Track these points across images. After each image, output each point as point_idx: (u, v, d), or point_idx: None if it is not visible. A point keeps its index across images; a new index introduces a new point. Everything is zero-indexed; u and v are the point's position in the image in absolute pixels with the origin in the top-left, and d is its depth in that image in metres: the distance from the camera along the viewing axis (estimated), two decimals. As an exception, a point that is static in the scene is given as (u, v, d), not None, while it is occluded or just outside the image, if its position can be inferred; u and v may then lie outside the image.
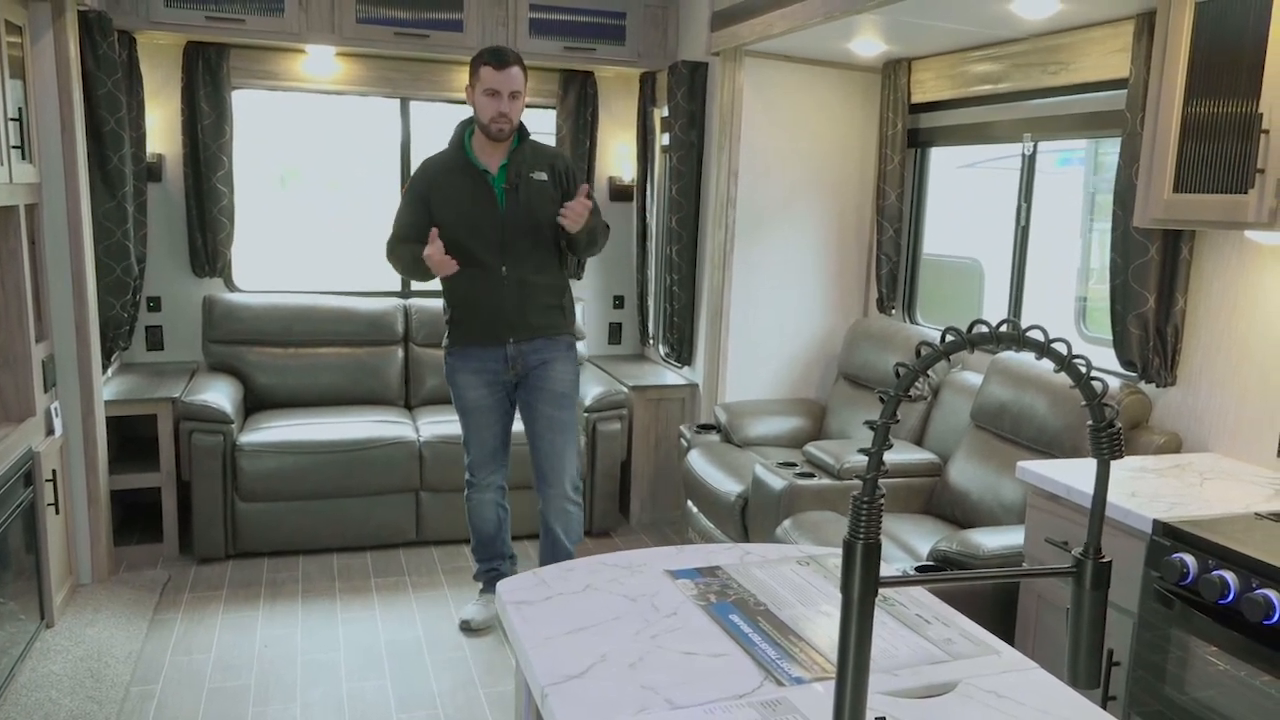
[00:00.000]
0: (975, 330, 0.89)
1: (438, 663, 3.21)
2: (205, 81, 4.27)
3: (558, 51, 4.51)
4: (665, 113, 4.56)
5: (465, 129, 3.21)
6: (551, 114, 4.89)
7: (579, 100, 4.84)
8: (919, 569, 2.68)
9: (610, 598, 1.52)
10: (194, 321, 4.49)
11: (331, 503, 4.07)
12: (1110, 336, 2.98)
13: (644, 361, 5.11)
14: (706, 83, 4.34)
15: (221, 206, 4.38)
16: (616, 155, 5.13)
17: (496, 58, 3.08)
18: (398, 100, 4.76)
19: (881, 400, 0.88)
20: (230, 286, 4.61)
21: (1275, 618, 1.84)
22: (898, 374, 0.88)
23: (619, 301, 5.29)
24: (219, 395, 3.99)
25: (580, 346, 4.91)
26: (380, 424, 4.23)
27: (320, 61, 4.50)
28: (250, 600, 3.64)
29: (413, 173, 3.33)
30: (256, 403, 4.41)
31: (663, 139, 4.69)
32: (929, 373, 3.76)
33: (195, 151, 4.32)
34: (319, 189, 5.60)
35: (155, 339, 4.53)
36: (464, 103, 4.87)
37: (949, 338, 0.89)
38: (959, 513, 3.25)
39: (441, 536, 4.23)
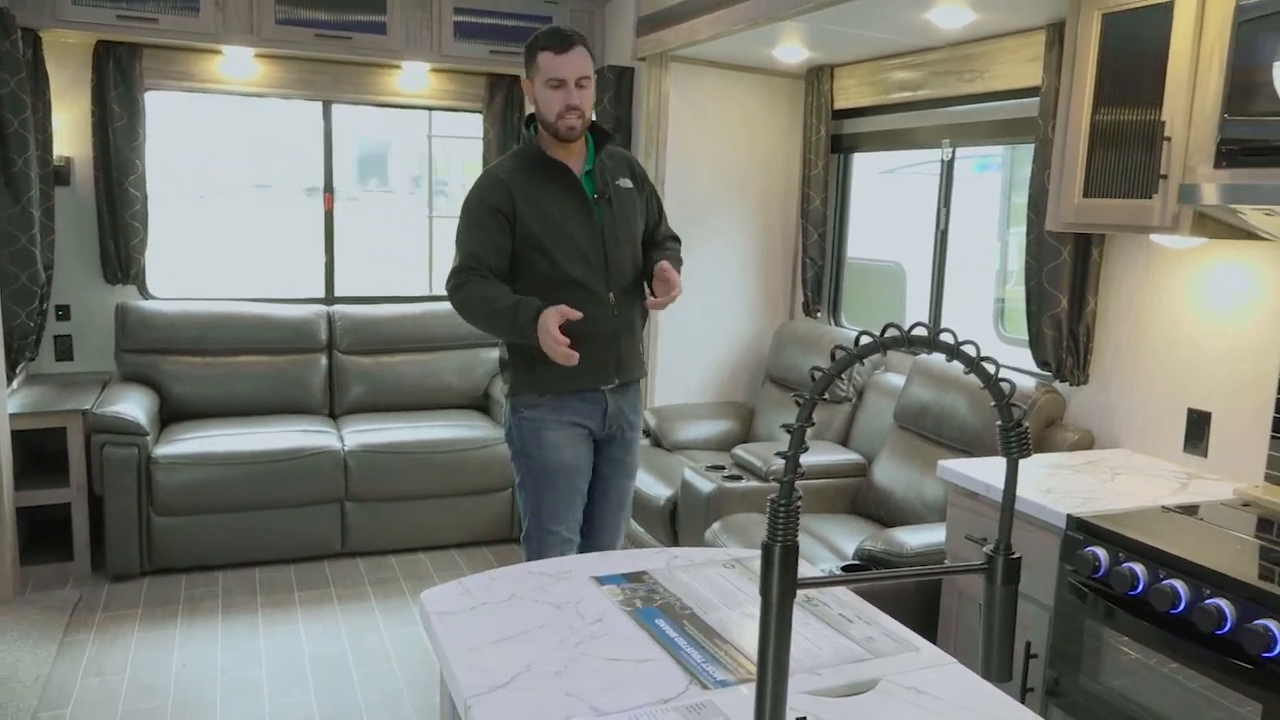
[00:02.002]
0: (888, 334, 0.90)
1: (364, 676, 3.15)
2: (117, 82, 4.14)
3: (483, 55, 4.48)
4: (593, 117, 4.55)
5: (530, 131, 2.59)
6: (478, 118, 4.85)
7: (506, 104, 4.81)
8: (845, 568, 2.72)
9: (535, 606, 1.51)
10: (106, 330, 4.34)
11: (252, 515, 3.97)
12: (1026, 337, 3.07)
13: (573, 366, 5.10)
14: (633, 88, 4.35)
15: (134, 211, 4.24)
16: (543, 160, 5.11)
17: (557, 39, 2.49)
18: (320, 103, 4.67)
19: (798, 404, 0.89)
20: (144, 294, 4.47)
21: (1181, 607, 1.91)
22: (813, 378, 0.89)
23: (547, 306, 5.26)
24: (133, 406, 3.86)
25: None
26: (303, 434, 4.14)
27: (238, 63, 4.39)
28: (167, 618, 3.53)
29: (474, 187, 2.57)
30: (172, 414, 4.28)
31: (589, 143, 4.69)
32: (854, 374, 3.81)
33: (106, 154, 4.18)
34: (239, 193, 5.47)
35: (64, 349, 4.37)
36: (391, 106, 4.86)
37: (864, 340, 0.90)
38: (884, 512, 3.30)
39: (368, 548, 4.16)
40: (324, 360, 4.59)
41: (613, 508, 2.70)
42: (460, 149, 5.20)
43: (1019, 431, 0.91)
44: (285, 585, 3.85)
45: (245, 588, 3.81)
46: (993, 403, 0.93)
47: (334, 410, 4.61)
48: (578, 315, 2.36)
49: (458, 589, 1.57)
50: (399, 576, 3.96)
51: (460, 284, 2.48)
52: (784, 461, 0.89)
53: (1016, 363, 3.22)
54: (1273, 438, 2.39)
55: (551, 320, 2.31)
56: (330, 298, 4.83)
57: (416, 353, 4.73)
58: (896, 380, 3.59)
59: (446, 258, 5.18)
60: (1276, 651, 1.74)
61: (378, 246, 5.38)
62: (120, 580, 3.82)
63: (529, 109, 2.54)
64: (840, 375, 0.89)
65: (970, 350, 0.91)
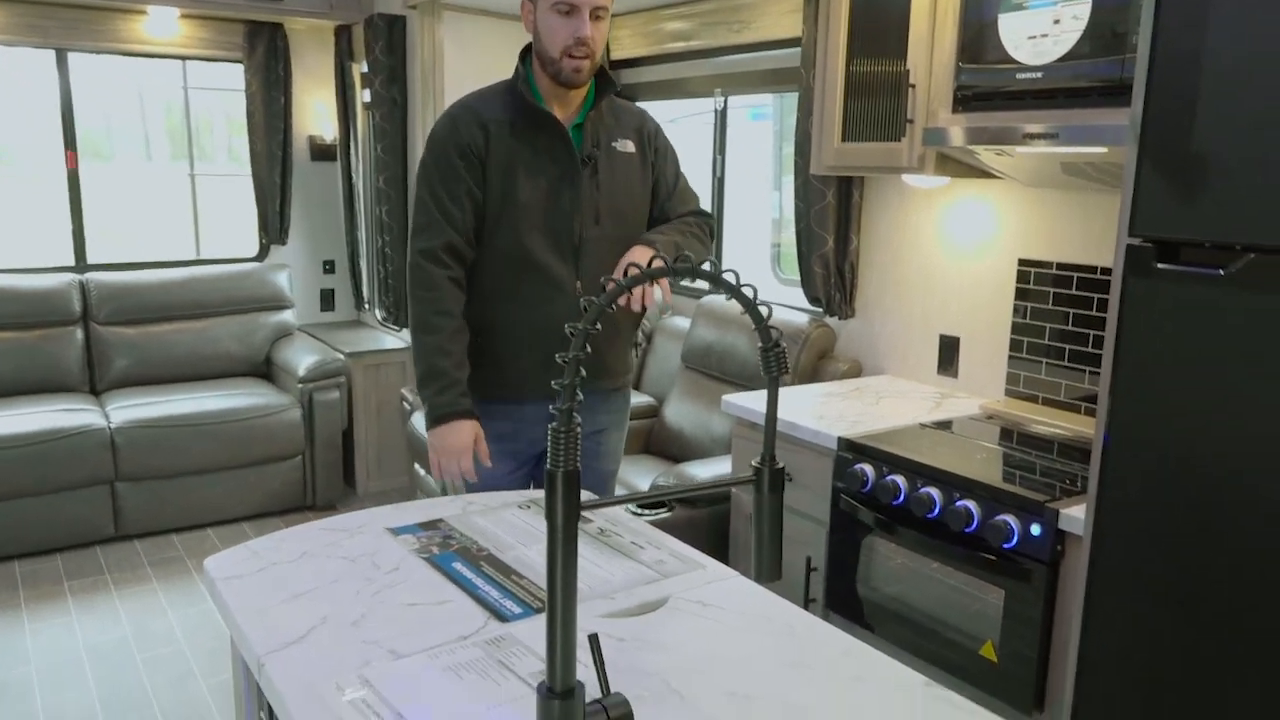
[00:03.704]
0: (654, 264, 0.94)
1: (151, 661, 2.98)
2: None
3: (241, 1, 4.20)
4: (364, 68, 4.39)
5: (525, 63, 2.09)
6: (239, 69, 4.57)
7: (269, 54, 4.55)
8: (640, 506, 2.81)
9: (329, 561, 1.49)
10: None
11: (8, 505, 3.64)
12: (799, 277, 3.26)
13: (361, 327, 4.96)
14: (406, 37, 4.22)
15: None
16: (315, 113, 4.88)
17: None
18: (53, 51, 4.25)
19: (570, 335, 0.92)
20: None
21: (936, 511, 2.12)
22: (584, 310, 0.92)
23: (329, 266, 5.08)
24: None
25: (290, 315, 4.70)
26: (61, 413, 3.81)
27: (-49, 5, 3.92)
28: (-87, 623, 3.20)
29: (444, 117, 2.09)
30: (-98, 400, 3.84)
31: (364, 95, 4.52)
32: (643, 320, 3.91)
33: None
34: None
35: None
36: (139, 55, 4.47)
37: (631, 273, 0.95)
38: (676, 449, 3.44)
39: (145, 529, 3.91)
40: (80, 333, 4.24)
41: None
42: (223, 103, 4.88)
43: (777, 352, 0.99)
44: (52, 576, 3.56)
45: (5, 583, 3.50)
46: (760, 344, 1.00)
47: (95, 386, 4.28)
48: (486, 464, 2.04)
49: (244, 552, 1.52)
50: (183, 556, 3.75)
51: (424, 280, 2.00)
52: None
53: (791, 302, 3.42)
54: (1010, 358, 2.67)
55: (464, 437, 1.97)
56: (82, 265, 4.44)
57: (188, 320, 4.45)
58: (683, 324, 3.72)
59: (212, 219, 4.89)
60: (1014, 542, 1.97)
61: (134, 209, 4.98)
62: None
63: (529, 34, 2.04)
64: (612, 307, 0.93)
65: (730, 279, 0.97)
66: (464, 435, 1.99)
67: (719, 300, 3.49)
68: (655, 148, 2.17)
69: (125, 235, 4.88)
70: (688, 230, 2.10)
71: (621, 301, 1.84)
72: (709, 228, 2.13)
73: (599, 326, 0.92)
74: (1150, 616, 1.67)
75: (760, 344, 0.99)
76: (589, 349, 0.91)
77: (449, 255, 2.02)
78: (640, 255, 1.97)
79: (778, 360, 0.99)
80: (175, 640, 3.11)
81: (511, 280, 2.03)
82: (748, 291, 0.98)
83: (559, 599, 0.94)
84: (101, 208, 4.59)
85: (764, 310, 0.98)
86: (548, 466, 0.92)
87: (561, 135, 2.03)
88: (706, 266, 0.97)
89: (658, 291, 1.91)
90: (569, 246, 2.04)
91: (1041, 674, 1.97)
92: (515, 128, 2.03)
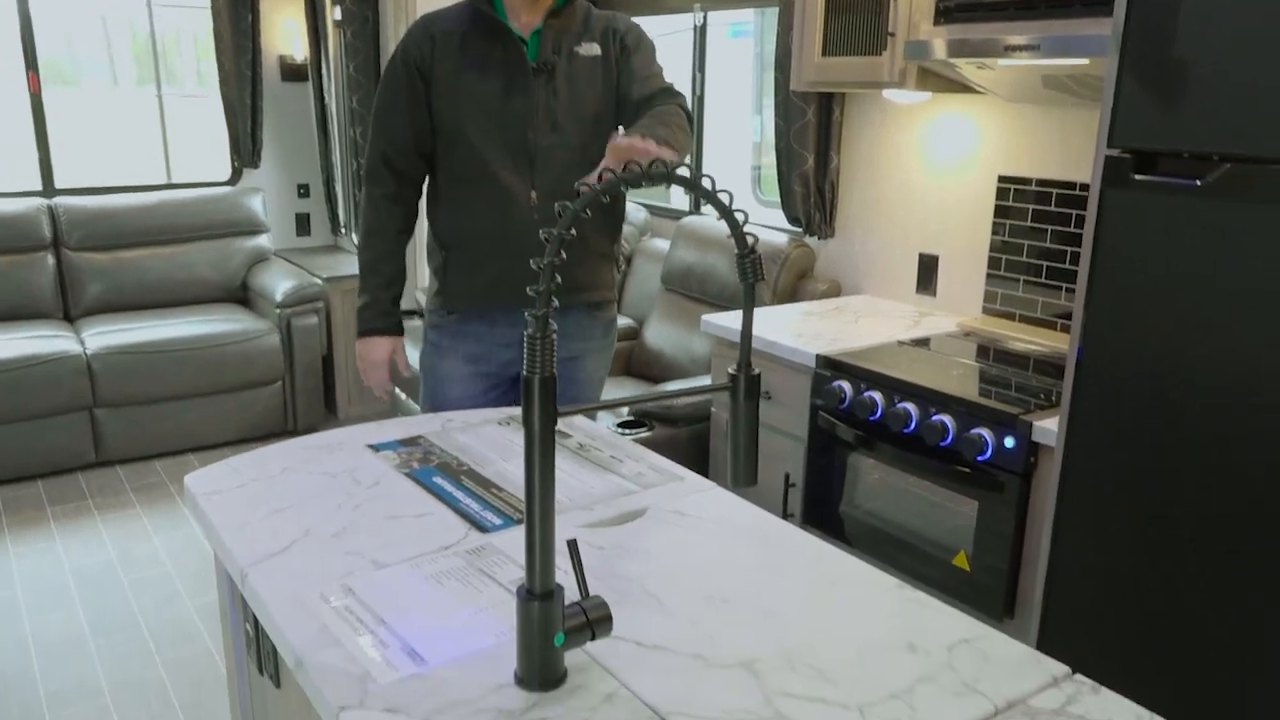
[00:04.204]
0: (629, 170, 0.93)
1: (137, 583, 3.01)
2: None
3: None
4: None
5: None
6: (204, -17, 4.43)
7: (235, -33, 4.41)
8: (620, 425, 2.83)
9: (309, 477, 1.50)
10: None
11: (-14, 431, 3.63)
12: (780, 199, 3.23)
13: (338, 252, 4.90)
14: (376, -50, 4.10)
15: None
16: (284, 32, 4.75)
17: None
18: (10, -35, 4.10)
19: (545, 242, 0.91)
20: None
21: (913, 426, 2.14)
22: (559, 215, 0.92)
23: (304, 190, 5.00)
24: None
25: (265, 240, 4.65)
26: (35, 340, 3.78)
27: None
28: (-104, 549, 3.21)
29: (404, 35, 2.05)
30: (-128, 328, 3.79)
31: (334, 12, 4.40)
32: (623, 241, 3.89)
33: None
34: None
35: None
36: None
37: (607, 177, 0.94)
38: (656, 370, 3.45)
39: (127, 454, 3.91)
40: (51, 258, 4.17)
41: None
42: (190, 22, 4.74)
43: (753, 258, 0.98)
44: (34, 501, 3.57)
45: (-13, 509, 3.51)
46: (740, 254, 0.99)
47: (69, 313, 4.23)
48: (407, 374, 2.17)
49: (225, 469, 1.52)
50: (165, 481, 3.76)
51: (365, 198, 2.09)
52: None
53: (772, 223, 3.40)
54: (989, 275, 2.68)
55: (378, 352, 2.11)
56: (50, 189, 4.36)
57: (161, 245, 4.38)
58: (663, 245, 3.70)
59: (182, 143, 4.79)
60: (988, 455, 2.00)
61: (102, 134, 4.87)
62: None
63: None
64: (587, 211, 0.92)
65: (706, 184, 0.96)
66: (379, 350, 2.13)
67: (699, 221, 3.47)
68: (623, 45, 2.04)
69: (93, 160, 4.78)
70: (667, 120, 1.91)
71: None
72: (686, 112, 1.99)
73: (573, 232, 0.92)
74: (1119, 525, 1.71)
75: (737, 250, 0.98)
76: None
77: (386, 169, 2.05)
78: (630, 144, 1.70)
79: (754, 267, 0.99)
80: (161, 563, 3.13)
81: (469, 193, 2.01)
82: (724, 198, 0.97)
83: (537, 504, 0.95)
84: (68, 133, 4.48)
85: (740, 216, 0.97)
86: (523, 373, 0.92)
87: (512, 42, 1.97)
88: (684, 171, 0.96)
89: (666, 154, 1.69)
90: (523, 156, 1.99)
91: (1012, 582, 2.03)
92: (465, 38, 1.98)
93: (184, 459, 3.98)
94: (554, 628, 0.97)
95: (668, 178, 0.96)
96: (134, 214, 4.33)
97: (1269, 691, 1.54)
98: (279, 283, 4.23)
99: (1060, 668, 1.04)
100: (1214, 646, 1.60)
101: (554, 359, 0.93)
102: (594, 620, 1.00)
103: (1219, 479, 1.55)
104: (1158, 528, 1.65)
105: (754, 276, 0.99)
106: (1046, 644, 1.84)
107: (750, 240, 0.99)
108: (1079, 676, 1.03)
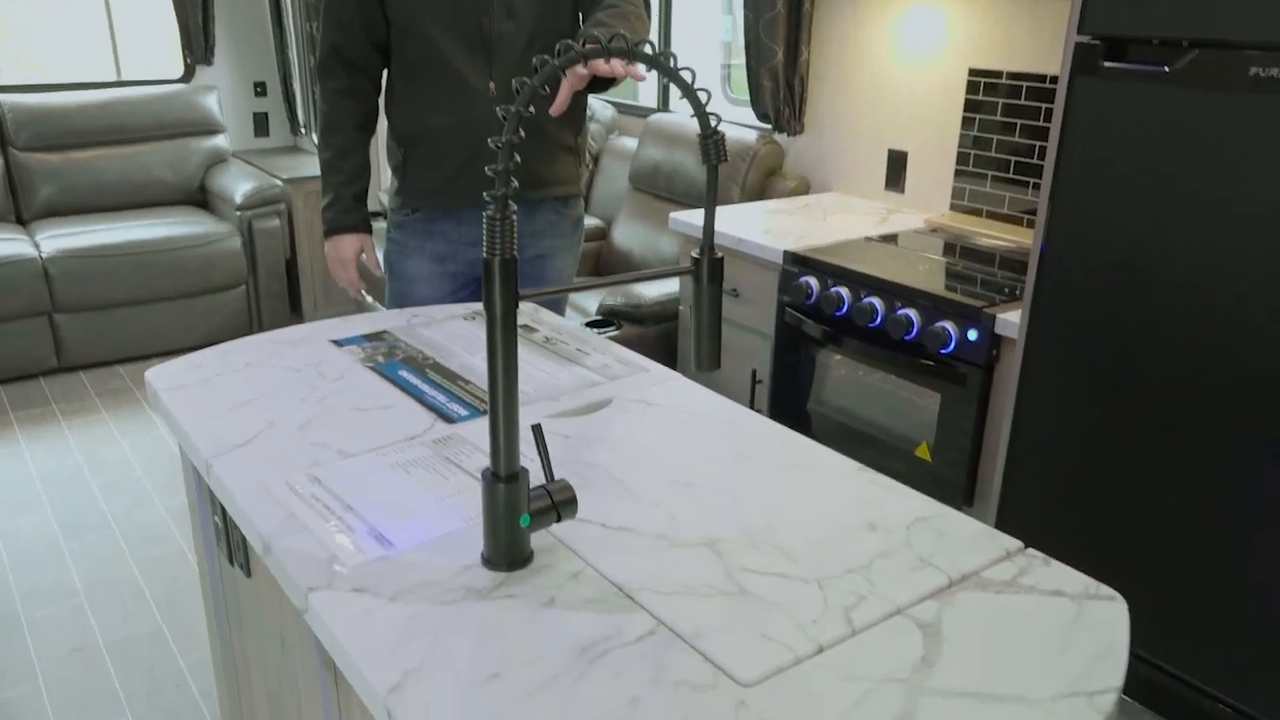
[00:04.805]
0: (588, 46, 0.91)
1: (106, 486, 3.01)
2: None
3: None
4: None
5: None
6: None
7: None
8: (589, 324, 2.83)
9: (273, 371, 1.49)
10: None
11: (-57, 337, 3.57)
12: (749, 95, 3.18)
13: (298, 153, 4.79)
14: None
15: None
16: (234, -83, 4.54)
17: None
18: None
19: (504, 120, 0.89)
20: None
21: (878, 320, 2.16)
22: (516, 92, 0.89)
23: (261, 89, 4.85)
24: None
25: (222, 141, 4.52)
26: (-11, 243, 3.69)
27: None
28: None
29: None
30: None
31: (285, -103, 4.20)
32: (589, 139, 3.82)
33: None
34: None
35: None
36: None
37: (566, 54, 0.91)
38: (624, 271, 3.43)
39: (90, 359, 3.87)
40: (-1, 159, 4.04)
41: None
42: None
43: (715, 139, 0.97)
44: (-3, 408, 3.54)
45: (-51, 416, 3.47)
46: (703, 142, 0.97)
47: (21, 216, 4.12)
48: (378, 273, 2.12)
49: (186, 364, 1.51)
50: (130, 386, 3.73)
51: (322, 92, 2.00)
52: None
53: (741, 120, 3.35)
54: (957, 171, 2.67)
55: (345, 250, 2.06)
56: (-4, 86, 4.20)
57: (114, 145, 4.26)
58: (630, 143, 3.64)
59: (131, 39, 4.60)
60: (952, 348, 2.02)
61: (45, 30, 4.66)
62: None
63: None
64: (545, 89, 0.89)
65: (671, 63, 0.94)
66: (346, 248, 2.08)
67: (667, 118, 3.41)
68: None
69: (37, 58, 4.59)
70: (625, 11, 1.87)
71: (553, 110, 1.74)
72: (645, 2, 1.95)
73: (531, 110, 0.90)
74: (1077, 416, 1.74)
75: (700, 132, 0.97)
76: (521, 159, 0.88)
77: (338, 62, 1.99)
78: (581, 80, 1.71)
79: (716, 148, 0.97)
80: (130, 467, 3.13)
81: (425, 86, 1.95)
82: (686, 76, 0.95)
83: (500, 386, 0.95)
84: (8, 28, 4.29)
85: (702, 96, 0.95)
86: (484, 254, 0.91)
87: None
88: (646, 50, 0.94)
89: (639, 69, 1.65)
90: (479, 45, 1.91)
91: (972, 472, 2.07)
92: None
93: (148, 364, 3.94)
94: (519, 509, 0.98)
95: (629, 54, 0.93)
96: (84, 112, 4.19)
97: (1213, 564, 1.60)
98: (238, 184, 4.14)
99: (1013, 542, 1.07)
100: (1164, 528, 1.65)
101: (514, 240, 0.92)
102: (559, 502, 1.01)
103: (1176, 369, 1.59)
104: (1114, 416, 1.69)
105: (717, 158, 0.98)
106: (1003, 527, 1.90)
107: (713, 120, 0.97)
108: (1031, 550, 1.06)
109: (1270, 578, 1.52)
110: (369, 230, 2.11)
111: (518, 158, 0.90)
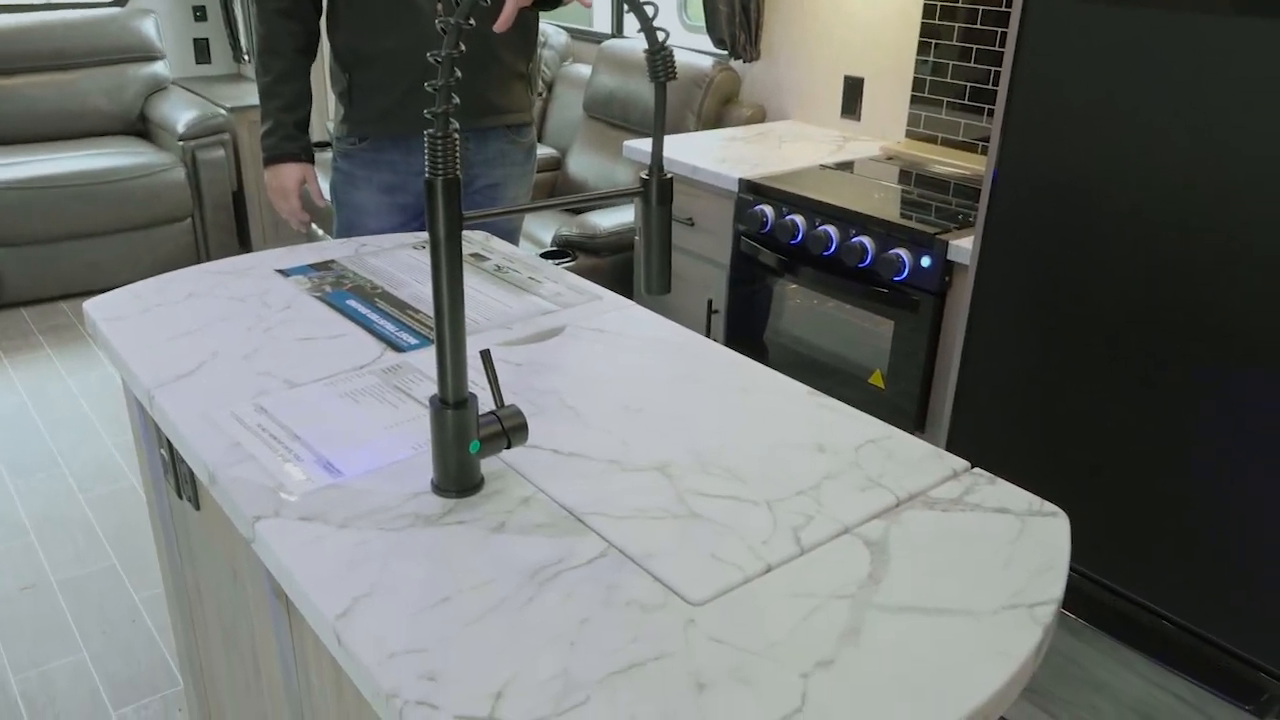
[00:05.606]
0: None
1: (53, 423, 2.95)
2: None
3: None
4: None
5: None
6: None
7: None
8: (544, 255, 2.80)
9: (217, 301, 1.45)
10: None
11: (-126, 273, 3.45)
12: (704, 20, 3.12)
13: (242, 81, 4.63)
14: None
15: None
16: None
17: None
18: None
19: (443, 34, 0.86)
20: None
21: (833, 248, 2.16)
22: (456, 3, 0.86)
23: (200, 13, 4.67)
24: None
25: (161, 68, 4.36)
26: (-82, 174, 3.55)
27: None
28: None
29: None
30: None
31: None
32: (542, 67, 3.73)
33: None
34: None
35: None
36: None
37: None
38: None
39: (32, 295, 3.77)
40: (-73, 87, 3.87)
41: None
42: None
43: (663, 55, 0.94)
44: (-64, 346, 3.44)
45: (-115, 354, 3.37)
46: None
47: (-48, 146, 3.96)
48: (322, 203, 2.08)
49: (126, 294, 1.47)
50: (74, 323, 3.65)
51: (259, 13, 1.92)
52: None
53: (698, 47, 3.29)
54: (913, 98, 2.65)
55: (286, 180, 1.98)
56: (-83, 9, 3.99)
57: (46, 72, 4.09)
58: (584, 71, 3.57)
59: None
60: (905, 275, 2.03)
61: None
62: None
63: None
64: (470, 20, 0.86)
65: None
66: (287, 177, 2.01)
67: (621, 44, 3.34)
68: None
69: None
70: None
71: (497, 26, 1.69)
72: None
73: (472, 23, 0.86)
74: (1026, 340, 1.76)
75: (646, 49, 0.94)
76: (459, 77, 0.84)
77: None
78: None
79: (665, 64, 0.95)
80: (77, 404, 3.07)
81: (368, 7, 1.87)
82: (633, -12, 0.92)
83: (446, 312, 0.93)
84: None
85: (649, 10, 0.93)
86: (425, 175, 0.88)
87: None
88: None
89: None
90: None
91: (924, 398, 2.10)
92: None
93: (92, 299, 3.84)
94: (468, 435, 0.97)
95: (573, -34, 0.90)
96: (10, 35, 4.01)
97: (1152, 482, 1.64)
98: (180, 113, 4.01)
99: (960, 462, 1.09)
100: (1108, 448, 1.69)
101: (457, 159, 0.89)
102: (509, 428, 1.00)
103: (1123, 294, 1.60)
104: (1062, 341, 1.71)
105: (665, 75, 0.95)
106: (953, 450, 1.93)
107: (661, 36, 0.95)
108: (977, 470, 1.08)
109: (1204, 494, 1.57)
110: (311, 159, 2.05)
111: (458, 73, 0.87)
